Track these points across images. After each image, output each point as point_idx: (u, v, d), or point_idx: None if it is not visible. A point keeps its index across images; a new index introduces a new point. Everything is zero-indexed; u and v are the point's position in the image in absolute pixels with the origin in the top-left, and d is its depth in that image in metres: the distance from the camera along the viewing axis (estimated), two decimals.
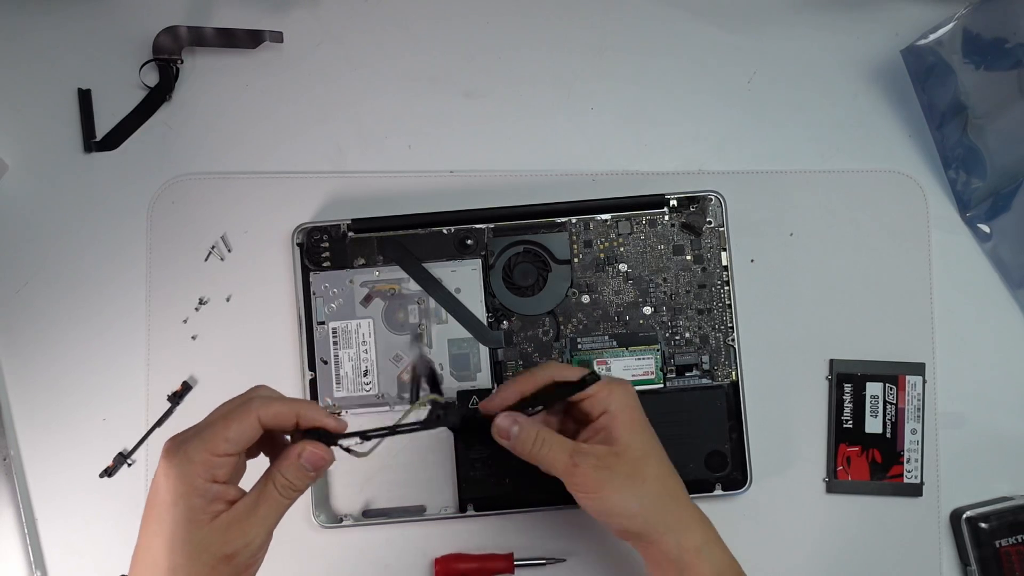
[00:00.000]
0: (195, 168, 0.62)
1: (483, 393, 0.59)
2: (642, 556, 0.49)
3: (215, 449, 0.43)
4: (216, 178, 0.62)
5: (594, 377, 0.48)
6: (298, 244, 0.60)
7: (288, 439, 0.47)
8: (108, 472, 0.60)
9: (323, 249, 0.60)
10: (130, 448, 0.60)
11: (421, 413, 0.49)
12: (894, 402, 0.59)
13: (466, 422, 0.49)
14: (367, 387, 0.59)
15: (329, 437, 0.46)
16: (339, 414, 0.59)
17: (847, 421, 0.59)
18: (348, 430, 0.46)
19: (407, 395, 0.59)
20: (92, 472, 0.60)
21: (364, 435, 0.47)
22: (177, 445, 0.43)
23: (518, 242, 0.60)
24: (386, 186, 0.62)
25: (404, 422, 0.47)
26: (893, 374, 0.59)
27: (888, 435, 0.59)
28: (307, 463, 0.45)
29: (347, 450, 0.47)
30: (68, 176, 0.62)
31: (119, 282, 0.62)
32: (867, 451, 0.59)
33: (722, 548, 0.49)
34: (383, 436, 0.47)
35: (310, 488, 0.56)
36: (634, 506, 0.47)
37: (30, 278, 0.62)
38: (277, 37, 0.62)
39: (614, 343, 0.59)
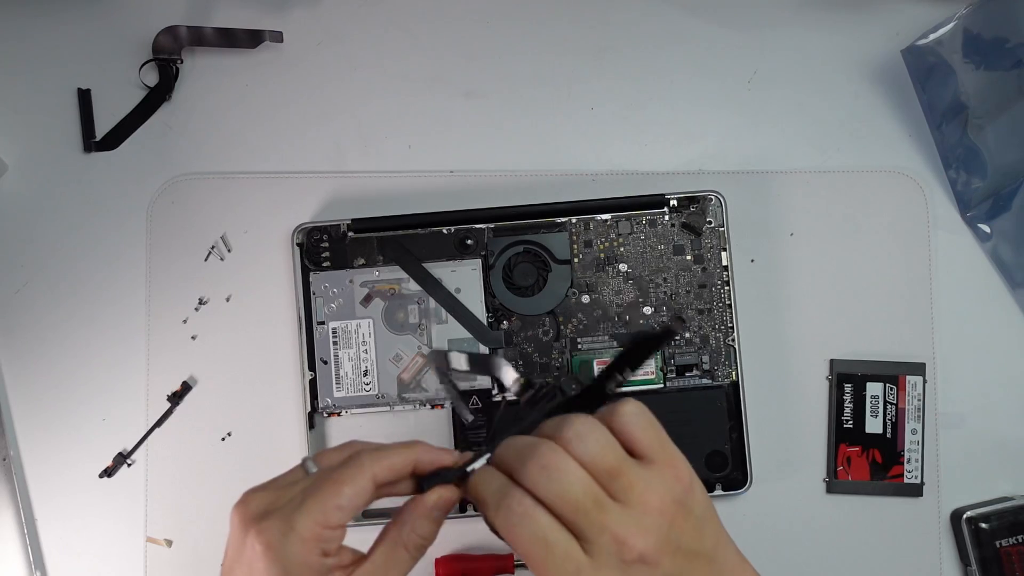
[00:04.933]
0: (195, 168, 0.62)
1: (483, 393, 0.59)
2: None
3: (328, 521, 0.36)
4: (216, 178, 0.62)
5: (680, 327, 0.44)
6: (298, 244, 0.60)
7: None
8: (108, 472, 0.60)
9: (323, 249, 0.60)
10: (130, 448, 0.60)
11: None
12: (894, 402, 0.59)
13: (588, 390, 0.42)
14: (367, 387, 0.59)
15: (451, 475, 0.40)
16: (339, 414, 0.59)
17: (847, 421, 0.59)
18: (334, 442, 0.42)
19: (413, 395, 0.59)
20: (92, 472, 0.60)
21: (489, 449, 0.40)
22: (279, 519, 0.36)
23: (518, 242, 0.60)
24: (386, 186, 0.62)
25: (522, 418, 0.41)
26: (893, 374, 0.59)
27: (888, 435, 0.59)
28: (441, 509, 0.39)
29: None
30: (68, 176, 0.62)
31: (119, 282, 0.61)
32: (867, 451, 0.59)
33: None
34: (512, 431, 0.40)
35: None
36: None
37: (30, 278, 0.62)
38: (277, 37, 0.62)
39: (614, 343, 0.59)
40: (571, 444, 0.36)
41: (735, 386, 0.58)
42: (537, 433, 0.38)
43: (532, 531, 0.35)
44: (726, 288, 0.59)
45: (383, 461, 0.38)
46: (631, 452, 0.37)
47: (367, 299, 0.59)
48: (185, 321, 0.61)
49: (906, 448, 0.59)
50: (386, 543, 0.39)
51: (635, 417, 0.37)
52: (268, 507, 0.37)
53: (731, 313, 0.59)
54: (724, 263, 0.59)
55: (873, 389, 0.59)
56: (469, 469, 0.40)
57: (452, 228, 0.60)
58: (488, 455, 0.39)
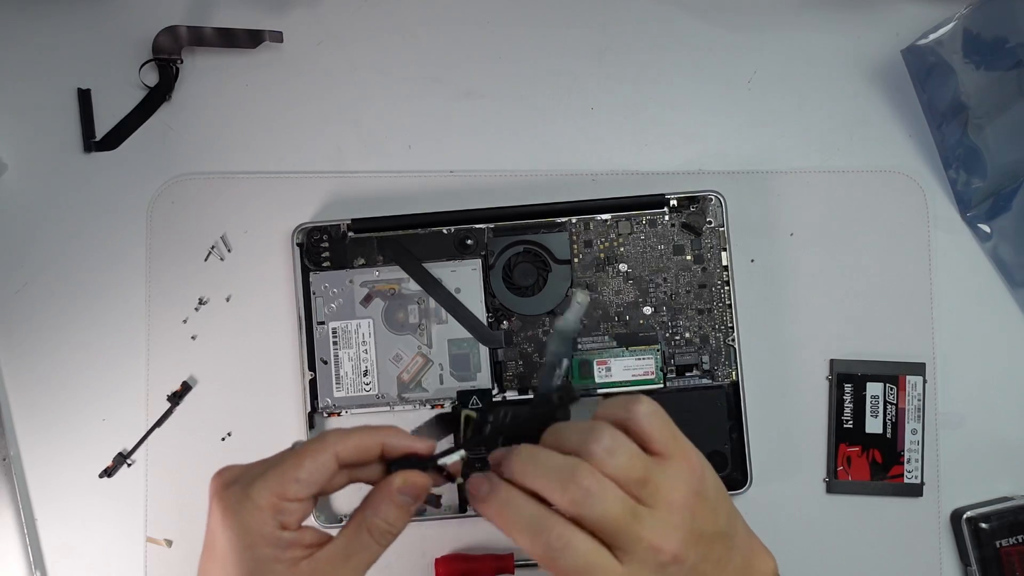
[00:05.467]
0: (195, 168, 0.62)
1: (483, 393, 0.59)
2: None
3: (284, 492, 0.37)
4: (216, 178, 0.62)
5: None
6: (298, 244, 0.60)
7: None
8: (108, 472, 0.60)
9: (323, 249, 0.60)
10: (130, 448, 0.60)
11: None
12: (894, 402, 0.59)
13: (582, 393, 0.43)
14: (367, 387, 0.59)
15: (421, 462, 0.40)
16: (339, 414, 0.59)
17: (847, 421, 0.59)
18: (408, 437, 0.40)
19: (413, 395, 0.59)
20: (92, 472, 0.60)
21: (465, 445, 0.41)
22: (239, 486, 0.37)
23: (518, 242, 0.60)
24: (386, 186, 0.62)
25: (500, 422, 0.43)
26: (893, 374, 0.59)
27: (888, 435, 0.59)
28: (407, 494, 0.39)
29: (447, 477, 0.41)
30: (68, 176, 0.62)
31: (119, 282, 0.61)
32: (867, 451, 0.59)
33: None
34: (486, 443, 0.41)
35: None
36: None
37: (30, 278, 0.62)
38: (277, 37, 0.62)
39: (614, 343, 0.59)
40: (603, 462, 0.36)
41: (735, 386, 0.58)
42: (559, 445, 0.38)
43: (575, 560, 0.36)
44: (726, 288, 0.59)
45: (348, 440, 0.39)
46: (647, 450, 0.38)
47: (367, 299, 0.59)
48: (185, 321, 0.61)
49: (906, 448, 0.59)
50: (350, 526, 0.39)
51: (651, 417, 0.38)
52: (236, 478, 0.38)
53: (731, 313, 0.59)
54: (724, 263, 0.59)
55: (873, 389, 0.59)
56: (440, 463, 0.40)
57: (452, 228, 0.60)
58: (462, 452, 0.40)
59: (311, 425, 0.59)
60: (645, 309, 0.59)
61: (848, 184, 0.62)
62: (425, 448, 0.40)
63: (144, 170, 0.62)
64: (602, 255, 0.60)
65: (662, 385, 0.59)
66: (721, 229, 0.59)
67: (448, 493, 0.59)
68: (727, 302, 0.59)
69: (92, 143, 0.62)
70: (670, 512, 0.37)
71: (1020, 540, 0.57)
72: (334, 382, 0.59)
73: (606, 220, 0.60)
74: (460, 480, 0.41)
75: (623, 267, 0.60)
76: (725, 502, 0.40)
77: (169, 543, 0.60)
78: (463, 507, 0.58)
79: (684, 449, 0.38)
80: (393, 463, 0.40)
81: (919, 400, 0.59)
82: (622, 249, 0.60)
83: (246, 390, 0.60)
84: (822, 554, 0.59)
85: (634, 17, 0.63)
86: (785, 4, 0.64)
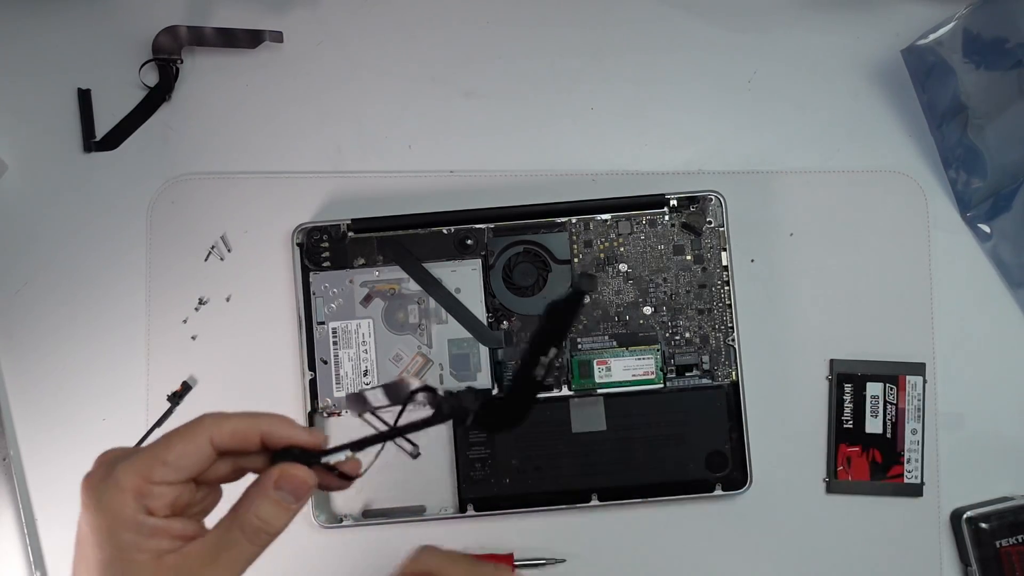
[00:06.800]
0: (195, 168, 0.62)
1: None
2: None
3: (149, 475, 0.34)
4: (216, 178, 0.62)
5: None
6: (298, 244, 0.60)
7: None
8: None
9: (323, 249, 0.60)
10: None
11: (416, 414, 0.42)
12: (894, 402, 0.59)
13: (483, 407, 0.40)
14: (367, 387, 0.59)
15: (308, 457, 0.37)
16: (339, 414, 0.59)
17: (847, 421, 0.59)
18: (333, 443, 0.38)
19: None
20: None
21: (355, 446, 0.38)
22: (105, 468, 0.35)
23: (518, 242, 0.60)
24: (386, 186, 0.62)
25: (402, 423, 0.40)
26: (893, 374, 0.59)
27: (888, 435, 0.59)
28: (287, 490, 0.36)
29: (341, 476, 0.38)
30: (68, 176, 0.62)
31: (119, 282, 0.61)
32: (867, 451, 0.59)
33: None
34: (380, 441, 0.38)
35: None
36: None
37: (30, 278, 0.62)
38: (277, 37, 0.62)
39: (614, 343, 0.59)
40: None
41: (735, 386, 0.58)
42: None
43: None
44: (726, 288, 0.59)
45: (224, 424, 0.36)
46: None
47: (367, 299, 0.59)
48: (185, 321, 0.61)
49: (906, 448, 0.59)
50: (223, 521, 0.36)
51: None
52: (112, 459, 0.36)
53: (731, 313, 0.59)
54: (724, 263, 0.59)
55: (873, 389, 0.59)
56: (324, 460, 0.38)
57: (452, 228, 0.60)
58: (349, 452, 0.38)
59: (311, 425, 0.59)
60: (645, 309, 0.59)
61: (848, 184, 0.62)
62: (311, 441, 0.37)
63: (144, 170, 0.62)
64: (602, 255, 0.60)
65: (662, 385, 0.59)
66: (721, 229, 0.59)
67: (448, 493, 0.59)
68: (727, 302, 0.59)
69: (92, 143, 0.62)
70: None
71: (1020, 540, 0.57)
72: (334, 382, 0.59)
73: (606, 220, 0.60)
74: (357, 476, 0.38)
75: (623, 267, 0.60)
76: None
77: None
78: (463, 507, 0.58)
79: None
80: (277, 454, 0.37)
81: (919, 400, 0.59)
82: (622, 249, 0.60)
83: (246, 390, 0.60)
84: (822, 554, 0.59)
85: (634, 17, 0.63)
86: (785, 4, 0.64)
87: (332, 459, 0.38)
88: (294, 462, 0.37)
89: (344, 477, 0.39)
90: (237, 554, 0.35)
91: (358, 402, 0.43)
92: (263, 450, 0.38)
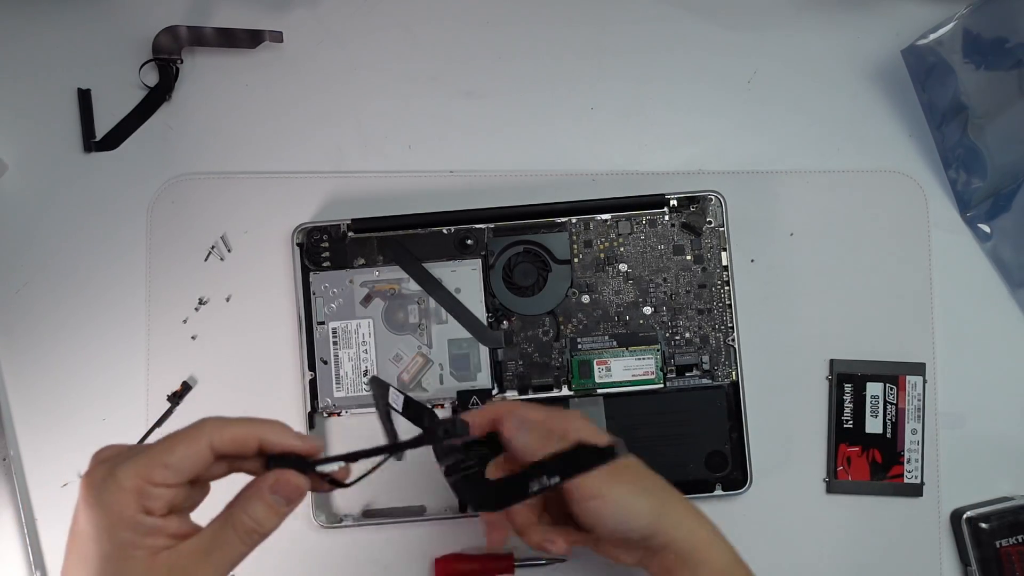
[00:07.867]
0: (195, 168, 0.62)
1: (483, 394, 0.59)
2: (645, 567, 0.47)
3: (150, 476, 0.36)
4: (216, 178, 0.62)
5: (623, 450, 0.39)
6: (298, 244, 0.60)
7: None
8: None
9: (323, 249, 0.60)
10: None
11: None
12: (894, 402, 0.59)
13: (509, 483, 0.42)
14: (367, 387, 0.59)
15: (303, 464, 0.39)
16: (339, 414, 0.59)
17: (847, 421, 0.59)
18: (330, 442, 0.40)
19: (413, 395, 0.59)
20: None
21: (349, 458, 0.40)
22: (106, 466, 0.36)
23: (518, 242, 0.60)
24: (386, 186, 0.62)
25: (400, 441, 0.41)
26: (893, 374, 0.59)
27: (888, 435, 0.59)
28: (279, 494, 0.38)
29: (331, 482, 0.40)
30: (68, 176, 0.62)
31: (119, 282, 0.61)
32: (867, 451, 0.59)
33: (725, 539, 0.47)
34: (373, 455, 0.40)
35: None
36: (642, 503, 0.44)
37: (30, 278, 0.62)
38: (277, 37, 0.62)
39: (614, 343, 0.59)
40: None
41: (735, 386, 0.58)
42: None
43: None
44: (726, 288, 0.59)
45: (225, 430, 0.37)
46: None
47: (367, 299, 0.59)
48: (185, 321, 0.61)
49: (906, 448, 0.59)
50: (217, 520, 0.38)
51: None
52: (110, 458, 0.37)
53: (731, 313, 0.59)
54: (724, 263, 0.59)
55: (873, 389, 0.59)
56: (319, 469, 0.39)
57: (452, 228, 0.60)
58: (342, 463, 0.39)
59: (311, 425, 0.59)
60: (645, 309, 0.59)
61: (848, 184, 0.62)
62: (306, 448, 0.39)
63: (144, 170, 0.62)
64: (602, 255, 0.60)
65: (662, 385, 0.59)
66: (721, 229, 0.59)
67: (447, 493, 0.59)
68: (727, 302, 0.59)
69: (92, 143, 0.62)
70: None
71: (1020, 540, 0.57)
72: (334, 382, 0.59)
73: (606, 220, 0.60)
74: (350, 484, 0.40)
75: (623, 267, 0.60)
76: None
77: None
78: (463, 507, 0.58)
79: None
80: (272, 460, 0.39)
81: (919, 400, 0.59)
82: (622, 249, 0.60)
83: (246, 390, 0.60)
84: (822, 554, 0.59)
85: (634, 17, 0.63)
86: (785, 4, 0.64)
87: (321, 467, 0.40)
88: (289, 468, 0.39)
89: (335, 483, 0.40)
90: (228, 552, 0.37)
91: (380, 390, 0.45)
92: (259, 454, 0.39)
